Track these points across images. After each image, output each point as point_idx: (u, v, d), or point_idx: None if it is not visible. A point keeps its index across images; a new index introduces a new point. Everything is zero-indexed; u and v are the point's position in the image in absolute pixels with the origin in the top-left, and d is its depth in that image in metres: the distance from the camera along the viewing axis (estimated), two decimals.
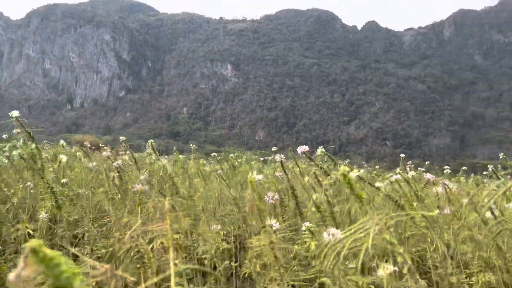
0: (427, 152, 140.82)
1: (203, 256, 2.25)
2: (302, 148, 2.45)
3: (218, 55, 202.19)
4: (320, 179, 2.37)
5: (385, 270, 1.04)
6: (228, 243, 2.40)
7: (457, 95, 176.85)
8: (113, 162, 2.42)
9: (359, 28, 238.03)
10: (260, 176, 1.11)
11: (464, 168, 5.07)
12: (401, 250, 0.68)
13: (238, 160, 3.78)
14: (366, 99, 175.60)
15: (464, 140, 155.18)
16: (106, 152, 2.59)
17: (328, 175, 2.49)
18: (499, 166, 2.56)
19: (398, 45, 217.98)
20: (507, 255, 1.54)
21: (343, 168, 0.74)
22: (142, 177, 2.43)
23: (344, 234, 0.67)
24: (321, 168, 2.44)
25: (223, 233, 2.44)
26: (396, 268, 1.08)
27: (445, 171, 4.00)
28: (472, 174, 4.20)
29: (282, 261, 1.09)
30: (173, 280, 0.54)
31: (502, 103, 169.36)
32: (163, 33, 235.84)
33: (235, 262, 2.35)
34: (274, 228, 1.31)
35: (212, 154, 4.07)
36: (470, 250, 1.58)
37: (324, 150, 2.34)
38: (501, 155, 2.19)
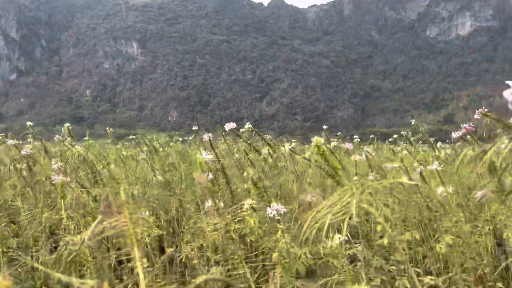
0: (333, 123, 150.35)
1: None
2: (229, 126, 2.40)
3: (122, 32, 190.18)
4: (250, 155, 2.36)
5: (334, 240, 1.05)
6: (159, 228, 2.29)
7: (357, 69, 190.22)
8: (20, 151, 2.12)
9: (265, 4, 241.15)
10: (210, 156, 1.04)
11: (372, 136, 5.49)
12: (380, 220, 0.68)
13: (159, 141, 3.61)
14: (276, 75, 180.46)
15: (365, 110, 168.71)
16: (11, 141, 2.26)
17: (257, 151, 2.49)
18: (409, 132, 2.79)
19: (303, 22, 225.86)
20: (428, 214, 1.68)
21: (316, 139, 0.71)
22: (54, 166, 2.18)
23: (324, 206, 0.64)
24: (249, 144, 2.42)
25: (153, 219, 2.32)
26: (345, 238, 1.10)
27: (354, 140, 4.28)
28: (386, 141, 4.54)
29: (236, 242, 1.05)
30: (142, 282, 0.46)
31: (396, 75, 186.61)
32: (57, 9, 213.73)
33: (169, 248, 2.26)
34: (220, 209, 1.26)
35: (130, 137, 3.83)
36: (397, 211, 1.69)
37: (251, 126, 2.32)
38: (413, 121, 2.38)
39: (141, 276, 0.47)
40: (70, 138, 2.24)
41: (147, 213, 2.26)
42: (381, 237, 2.01)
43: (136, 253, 0.51)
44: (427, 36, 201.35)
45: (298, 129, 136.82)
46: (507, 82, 0.65)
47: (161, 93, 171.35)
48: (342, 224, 1.16)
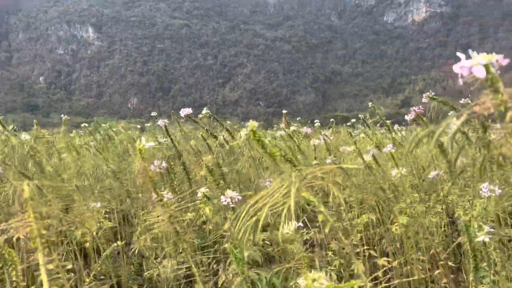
0: (295, 108, 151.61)
1: (84, 239, 2.01)
2: (185, 111, 2.31)
3: (76, 16, 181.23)
4: (208, 142, 2.29)
5: (289, 226, 1.02)
6: (110, 220, 2.19)
7: (318, 53, 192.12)
8: None
9: None
10: (151, 143, 0.97)
11: (332, 120, 5.58)
12: (322, 209, 0.64)
13: (113, 129, 3.45)
14: (238, 60, 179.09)
15: (326, 95, 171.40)
16: None
17: (215, 137, 2.42)
18: (367, 115, 2.82)
19: (264, 6, 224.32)
20: (383, 195, 1.69)
21: (251, 123, 0.65)
22: None
23: (262, 196, 0.59)
24: (207, 130, 2.35)
25: (104, 211, 2.21)
26: (301, 224, 1.07)
27: (315, 125, 4.30)
28: (344, 125, 4.59)
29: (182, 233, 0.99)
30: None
31: (355, 60, 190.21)
32: None
33: (121, 240, 2.16)
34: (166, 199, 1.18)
35: (82, 125, 3.63)
36: (354, 195, 1.69)
37: (209, 111, 2.25)
38: (370, 104, 2.40)
39: (45, 285, 0.40)
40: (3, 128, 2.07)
41: (98, 204, 2.15)
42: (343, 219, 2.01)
43: (40, 258, 0.44)
44: (385, 22, 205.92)
45: (262, 115, 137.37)
46: (457, 54, 0.61)
47: (119, 79, 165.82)
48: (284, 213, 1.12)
